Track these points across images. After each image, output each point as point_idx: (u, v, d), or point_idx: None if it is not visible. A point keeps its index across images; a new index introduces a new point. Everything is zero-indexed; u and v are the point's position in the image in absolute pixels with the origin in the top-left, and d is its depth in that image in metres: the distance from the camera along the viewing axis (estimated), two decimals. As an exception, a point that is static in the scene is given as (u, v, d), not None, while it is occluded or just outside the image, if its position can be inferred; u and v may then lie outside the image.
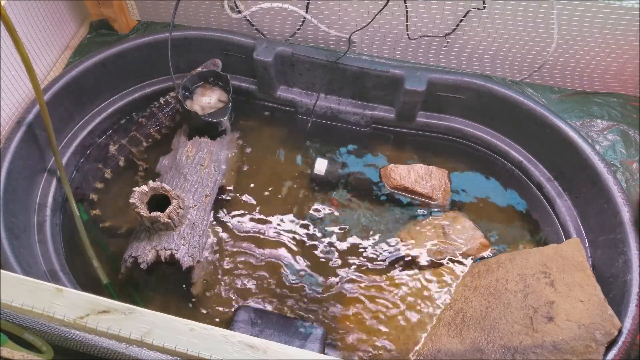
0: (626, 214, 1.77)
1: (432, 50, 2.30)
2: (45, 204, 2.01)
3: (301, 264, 1.99)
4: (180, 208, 1.89)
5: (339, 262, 2.00)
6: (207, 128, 2.21)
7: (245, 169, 2.25)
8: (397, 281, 1.95)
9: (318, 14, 2.26)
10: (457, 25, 2.16)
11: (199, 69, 2.29)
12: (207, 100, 2.21)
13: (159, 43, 2.26)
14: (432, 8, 2.11)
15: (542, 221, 2.10)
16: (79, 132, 2.22)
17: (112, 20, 2.42)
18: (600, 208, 1.87)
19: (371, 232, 2.07)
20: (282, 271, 1.97)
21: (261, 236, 2.06)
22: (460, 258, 2.00)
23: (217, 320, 1.86)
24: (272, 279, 1.96)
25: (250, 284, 1.94)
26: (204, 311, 1.89)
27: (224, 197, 2.15)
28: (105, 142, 2.28)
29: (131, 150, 2.25)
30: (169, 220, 1.83)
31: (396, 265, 1.99)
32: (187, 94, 2.23)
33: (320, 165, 2.19)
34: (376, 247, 2.04)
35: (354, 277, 1.97)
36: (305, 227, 2.09)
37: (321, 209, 2.14)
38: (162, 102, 2.28)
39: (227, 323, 1.82)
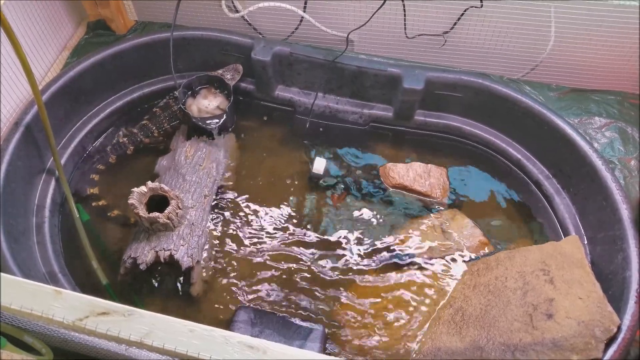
0: (625, 211, 1.77)
1: (430, 49, 2.29)
2: (44, 205, 2.00)
3: (300, 263, 1.99)
4: (179, 208, 1.89)
5: (339, 261, 2.00)
6: (205, 128, 2.20)
7: (244, 168, 2.25)
8: (396, 280, 1.95)
9: (316, 13, 2.26)
10: (455, 24, 2.16)
11: (220, 71, 2.28)
12: (206, 104, 2.21)
13: (157, 43, 2.26)
14: (430, 6, 2.10)
15: (541, 219, 2.10)
16: (77, 133, 2.21)
17: (109, 21, 2.42)
18: (599, 205, 1.87)
19: (370, 231, 2.07)
20: (282, 271, 1.97)
21: (260, 236, 2.06)
22: (459, 256, 2.00)
23: (217, 320, 1.86)
24: (272, 278, 1.96)
25: (250, 284, 1.94)
26: (204, 312, 1.89)
27: (223, 197, 2.15)
28: (108, 137, 2.30)
29: (142, 139, 2.25)
30: (168, 221, 1.83)
31: (395, 264, 1.99)
32: (189, 92, 2.23)
33: (319, 165, 2.19)
34: (375, 245, 2.04)
35: (353, 276, 1.97)
36: (305, 226, 2.09)
37: (320, 209, 2.13)
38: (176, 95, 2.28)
39: (227, 323, 1.82)
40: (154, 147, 2.28)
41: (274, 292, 1.93)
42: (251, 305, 1.89)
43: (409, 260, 1.99)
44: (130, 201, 1.80)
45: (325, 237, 2.06)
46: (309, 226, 2.09)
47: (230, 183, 2.19)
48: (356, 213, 2.12)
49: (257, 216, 2.11)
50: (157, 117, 2.26)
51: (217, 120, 2.16)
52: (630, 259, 1.69)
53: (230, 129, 2.32)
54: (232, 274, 1.96)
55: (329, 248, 2.03)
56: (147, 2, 2.41)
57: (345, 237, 2.06)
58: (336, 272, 1.97)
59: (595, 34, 2.04)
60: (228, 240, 2.04)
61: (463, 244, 2.01)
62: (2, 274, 1.05)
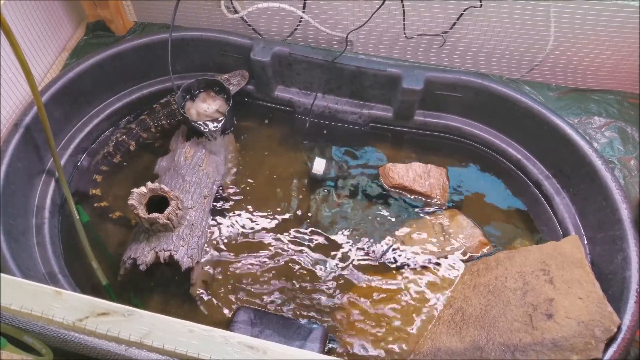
0: (624, 211, 1.77)
1: (430, 49, 2.30)
2: (44, 206, 2.00)
3: (300, 263, 1.99)
4: (179, 209, 1.89)
5: (338, 261, 2.00)
6: (204, 132, 2.20)
7: (243, 169, 2.25)
8: (396, 280, 1.95)
9: (315, 13, 2.26)
10: (454, 24, 2.16)
11: (226, 76, 2.28)
12: (205, 107, 2.20)
13: (156, 44, 2.26)
14: (429, 6, 2.11)
15: (541, 219, 2.10)
16: (76, 134, 2.22)
17: (108, 22, 2.42)
18: (599, 205, 1.87)
19: (370, 231, 2.07)
20: (281, 271, 1.97)
21: (260, 236, 2.06)
22: (459, 256, 2.00)
23: (217, 321, 1.86)
24: (272, 279, 1.96)
25: (250, 285, 1.94)
26: (204, 312, 1.89)
27: (222, 197, 2.15)
28: (110, 135, 2.31)
29: (140, 134, 2.26)
30: (168, 222, 1.83)
31: (395, 264, 1.99)
32: (188, 96, 2.23)
33: (319, 165, 2.19)
34: (375, 246, 2.04)
35: (353, 276, 1.97)
36: (304, 227, 2.09)
37: (320, 209, 2.13)
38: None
39: (227, 324, 1.82)
40: (151, 143, 2.28)
41: (273, 292, 1.93)
42: (251, 305, 1.89)
43: (408, 261, 1.99)
44: (130, 202, 1.80)
45: (325, 237, 2.06)
46: (308, 226, 2.09)
47: (230, 183, 2.19)
48: (356, 213, 2.12)
49: (256, 216, 2.11)
50: (156, 112, 2.27)
51: (216, 124, 2.16)
52: (630, 259, 1.69)
53: (229, 131, 2.32)
54: (232, 275, 1.96)
55: (328, 248, 2.03)
56: (146, 3, 2.41)
57: (344, 238, 2.06)
58: (336, 272, 1.97)
59: (594, 33, 2.05)
60: (228, 241, 2.04)
61: (463, 244, 2.01)
62: (2, 274, 1.05)
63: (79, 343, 1.15)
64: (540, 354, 1.56)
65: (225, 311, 1.88)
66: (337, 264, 1.99)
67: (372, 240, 2.05)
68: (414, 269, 1.98)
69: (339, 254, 2.02)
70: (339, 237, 2.06)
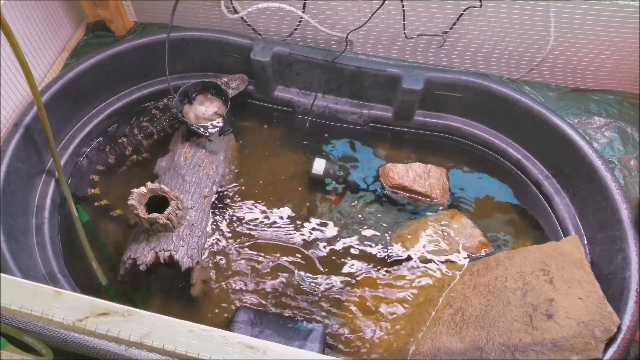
0: (624, 211, 1.77)
1: (429, 49, 2.30)
2: (44, 206, 2.00)
3: (300, 263, 1.99)
4: (179, 209, 1.89)
5: (338, 261, 2.00)
6: (203, 135, 2.20)
7: (243, 169, 2.25)
8: (395, 280, 1.95)
9: (315, 13, 2.26)
10: (454, 24, 2.16)
11: (225, 79, 2.29)
12: (203, 110, 2.20)
13: (156, 44, 2.26)
14: (429, 7, 2.11)
15: (541, 219, 2.10)
16: (76, 134, 2.22)
17: (108, 22, 2.42)
18: (599, 205, 1.87)
19: (370, 232, 2.07)
20: (282, 271, 1.97)
21: (260, 236, 2.06)
22: (459, 256, 2.00)
23: (217, 321, 1.86)
24: (272, 279, 1.96)
25: (250, 285, 1.94)
26: (204, 312, 1.89)
27: (222, 197, 2.15)
28: (110, 135, 2.31)
29: (141, 140, 2.26)
30: (168, 222, 1.83)
31: (395, 264, 1.99)
32: (185, 99, 2.23)
33: (319, 165, 2.19)
34: (375, 246, 2.04)
35: (353, 276, 1.97)
36: (304, 227, 2.09)
37: (320, 209, 2.14)
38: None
39: (227, 324, 1.82)
40: (151, 145, 2.29)
41: (274, 292, 1.93)
42: (251, 305, 1.89)
43: (408, 261, 1.99)
44: (130, 202, 1.80)
45: (325, 237, 2.06)
46: (308, 226, 2.09)
47: (230, 184, 2.19)
48: (355, 213, 2.12)
49: (256, 216, 2.11)
50: (157, 119, 2.27)
51: (215, 127, 2.16)
52: (630, 259, 1.69)
53: (228, 132, 2.32)
54: (231, 275, 1.96)
55: (328, 249, 2.03)
56: (146, 3, 2.41)
57: (344, 238, 2.06)
58: (336, 273, 1.97)
59: (595, 33, 2.05)
60: (228, 241, 2.04)
61: (463, 244, 2.01)
62: (2, 274, 1.05)
63: (79, 343, 1.15)
64: (540, 354, 1.56)
65: (225, 311, 1.88)
66: (336, 264, 1.99)
67: (371, 241, 2.05)
68: (413, 269, 1.98)
69: (339, 254, 2.02)
70: (339, 237, 2.06)
